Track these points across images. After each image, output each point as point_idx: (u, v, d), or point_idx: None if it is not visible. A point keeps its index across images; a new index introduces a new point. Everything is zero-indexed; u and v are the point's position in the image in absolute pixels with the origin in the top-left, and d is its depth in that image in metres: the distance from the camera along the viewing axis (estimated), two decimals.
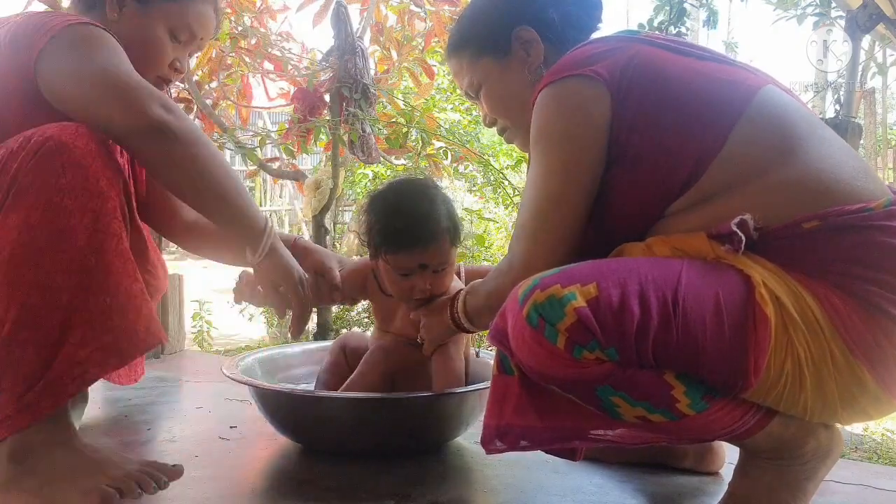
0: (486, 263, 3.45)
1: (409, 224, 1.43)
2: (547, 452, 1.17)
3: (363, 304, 3.39)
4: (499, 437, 1.11)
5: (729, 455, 1.40)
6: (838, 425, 1.12)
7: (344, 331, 3.62)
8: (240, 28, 3.07)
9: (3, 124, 1.25)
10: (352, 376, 1.54)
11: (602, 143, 1.14)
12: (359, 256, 4.57)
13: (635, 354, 0.99)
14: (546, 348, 1.01)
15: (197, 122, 3.26)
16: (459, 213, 1.54)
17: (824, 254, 1.02)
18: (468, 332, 1.40)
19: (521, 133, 1.38)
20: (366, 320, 3.65)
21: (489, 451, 1.12)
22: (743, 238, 1.01)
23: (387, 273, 1.48)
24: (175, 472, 1.23)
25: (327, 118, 2.98)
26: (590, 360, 1.00)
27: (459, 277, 1.58)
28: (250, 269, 1.47)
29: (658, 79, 1.14)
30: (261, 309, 3.40)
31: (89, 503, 1.12)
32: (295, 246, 1.54)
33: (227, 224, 1.35)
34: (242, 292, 1.53)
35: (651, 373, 1.01)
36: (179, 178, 1.29)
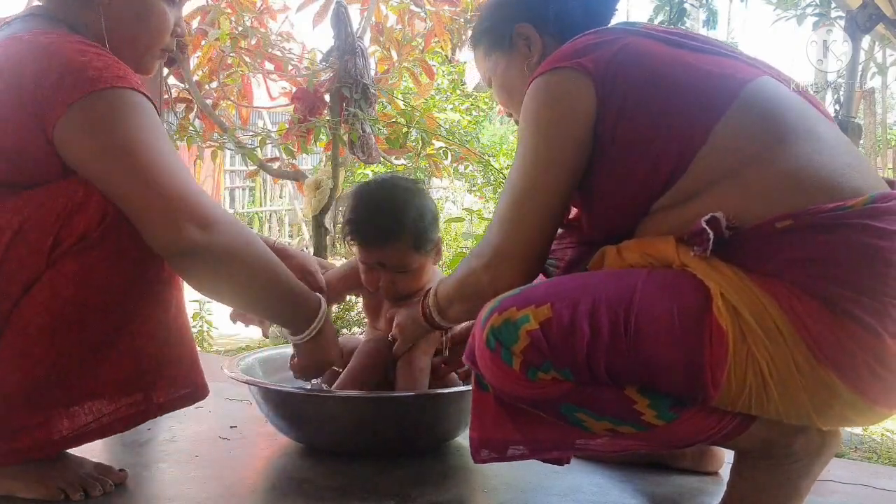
0: None
1: (370, 219, 1.45)
2: (537, 459, 1.18)
3: (361, 305, 3.38)
4: (481, 448, 1.13)
5: (730, 454, 1.40)
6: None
7: (344, 331, 3.63)
8: (240, 28, 3.07)
9: None
10: (346, 370, 1.53)
11: (584, 135, 1.13)
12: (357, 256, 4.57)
13: (589, 373, 1.01)
14: (504, 370, 1.04)
15: (197, 122, 3.26)
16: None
17: (795, 254, 0.99)
18: (439, 327, 1.38)
19: None
20: (366, 320, 3.65)
21: (477, 461, 1.14)
22: (712, 236, 0.99)
23: (358, 263, 1.51)
24: (120, 475, 1.30)
25: (327, 118, 2.98)
26: (546, 380, 1.02)
27: None
28: None
29: (645, 71, 1.13)
30: None
31: (34, 496, 1.19)
32: (273, 249, 1.56)
33: (277, 321, 1.41)
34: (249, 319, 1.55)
35: (611, 389, 1.02)
36: (221, 294, 1.28)
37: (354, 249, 1.50)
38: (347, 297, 2.58)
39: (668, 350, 0.98)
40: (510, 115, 1.46)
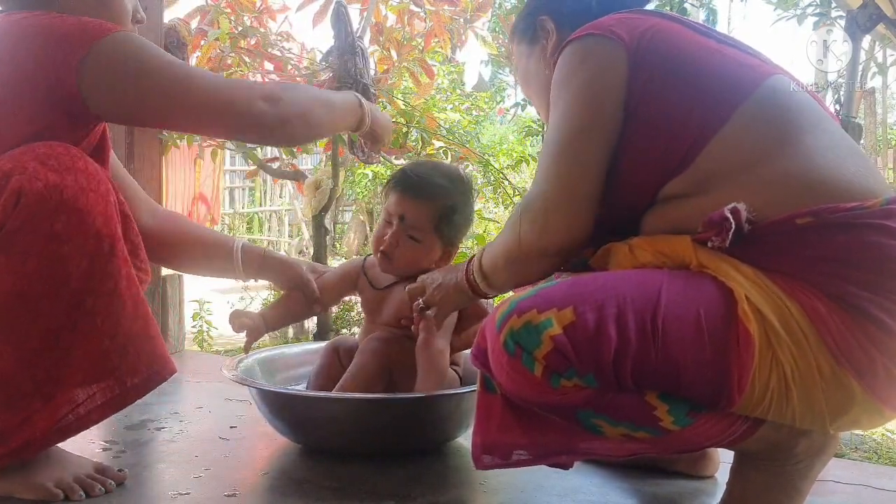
0: None
1: (422, 173, 1.55)
2: (540, 464, 1.18)
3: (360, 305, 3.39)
4: (486, 453, 1.12)
5: (726, 455, 1.39)
6: None
7: (344, 331, 3.63)
8: (240, 28, 3.07)
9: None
10: (350, 368, 1.53)
11: (618, 98, 1.12)
12: (357, 256, 4.57)
13: (614, 379, 0.98)
14: (524, 375, 1.00)
15: None
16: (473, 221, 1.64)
17: (814, 252, 0.99)
18: (484, 295, 1.31)
19: (542, 114, 1.41)
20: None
21: (478, 467, 1.12)
22: (733, 226, 0.98)
23: (383, 212, 1.60)
24: (119, 475, 1.31)
25: None
26: (568, 387, 0.99)
27: None
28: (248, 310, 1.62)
29: (673, 49, 1.13)
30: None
31: (34, 497, 1.19)
32: (265, 259, 1.59)
33: (343, 130, 1.61)
34: (244, 325, 1.58)
35: (632, 396, 1.00)
36: (310, 137, 1.53)
37: (389, 198, 1.57)
38: (347, 298, 2.60)
39: (696, 355, 0.97)
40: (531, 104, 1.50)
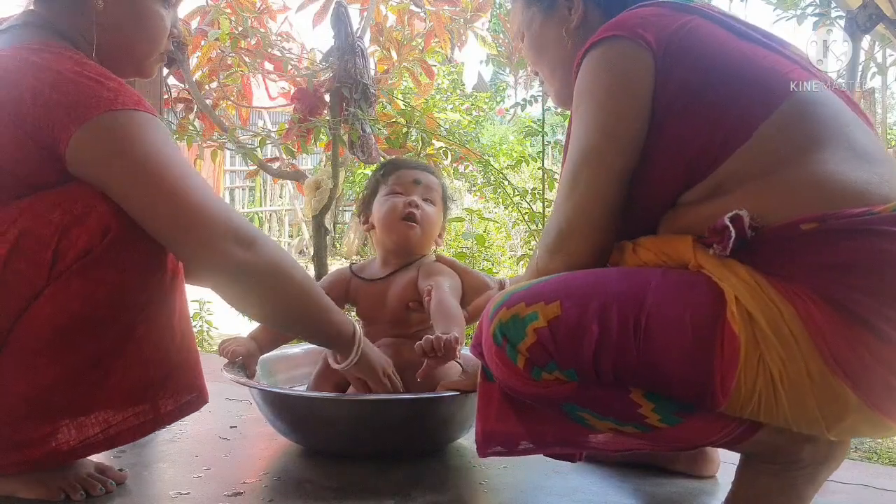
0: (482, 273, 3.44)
1: (411, 160, 1.77)
2: (546, 455, 1.18)
3: None
4: (486, 442, 1.12)
5: (727, 455, 1.39)
6: None
7: None
8: (240, 28, 3.07)
9: None
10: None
11: (643, 109, 1.09)
12: (358, 257, 4.56)
13: (595, 375, 0.99)
14: (508, 366, 1.03)
15: (197, 122, 3.26)
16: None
17: (818, 258, 0.97)
18: None
19: (552, 89, 1.38)
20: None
21: (482, 455, 1.13)
22: (733, 234, 0.97)
23: (380, 206, 1.64)
24: (120, 475, 1.31)
25: (327, 118, 2.98)
26: (549, 380, 1.01)
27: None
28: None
29: (704, 55, 1.10)
30: None
31: (35, 496, 1.19)
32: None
33: (313, 340, 1.45)
34: (236, 353, 1.57)
35: (615, 392, 1.01)
36: (261, 311, 1.30)
37: (389, 179, 1.65)
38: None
39: (678, 354, 0.97)
40: (536, 74, 1.43)
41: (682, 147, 1.08)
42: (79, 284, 1.12)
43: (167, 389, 1.24)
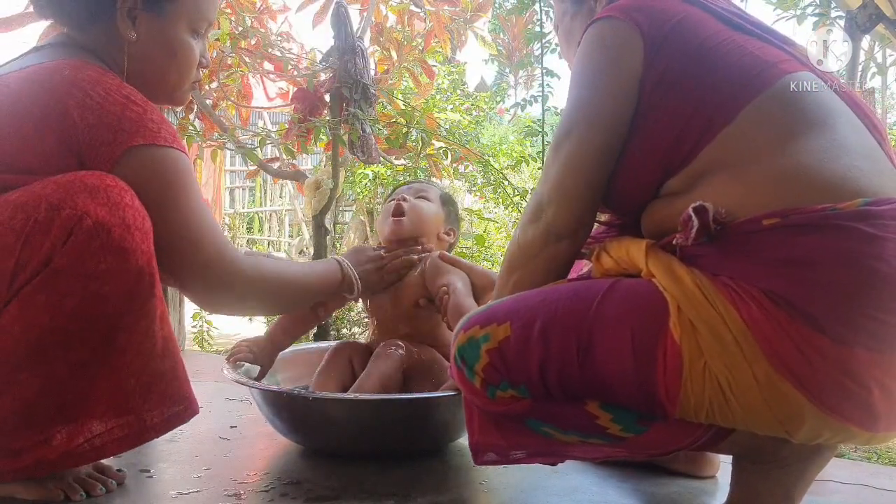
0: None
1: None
2: (541, 463, 1.19)
3: (361, 304, 3.41)
4: (476, 452, 1.13)
5: (727, 456, 1.40)
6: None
7: (344, 331, 3.63)
8: (240, 28, 3.07)
9: (24, 155, 1.17)
10: (368, 370, 1.53)
11: (630, 88, 1.10)
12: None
13: (544, 390, 1.01)
14: (469, 387, 1.07)
15: (197, 122, 3.26)
16: (460, 212, 1.72)
17: (776, 254, 0.94)
18: None
19: None
20: (365, 320, 3.66)
21: (477, 463, 1.15)
22: (695, 225, 0.96)
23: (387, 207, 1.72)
24: (119, 475, 1.32)
25: (327, 118, 2.98)
26: (505, 398, 1.04)
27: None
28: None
29: (693, 47, 1.10)
30: None
31: (34, 497, 1.20)
32: None
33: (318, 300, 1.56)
34: (245, 360, 1.60)
35: (572, 405, 1.02)
36: (261, 309, 1.57)
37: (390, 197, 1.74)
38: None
39: (619, 367, 0.97)
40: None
41: (662, 135, 1.09)
42: (43, 299, 1.10)
43: (152, 401, 1.21)
